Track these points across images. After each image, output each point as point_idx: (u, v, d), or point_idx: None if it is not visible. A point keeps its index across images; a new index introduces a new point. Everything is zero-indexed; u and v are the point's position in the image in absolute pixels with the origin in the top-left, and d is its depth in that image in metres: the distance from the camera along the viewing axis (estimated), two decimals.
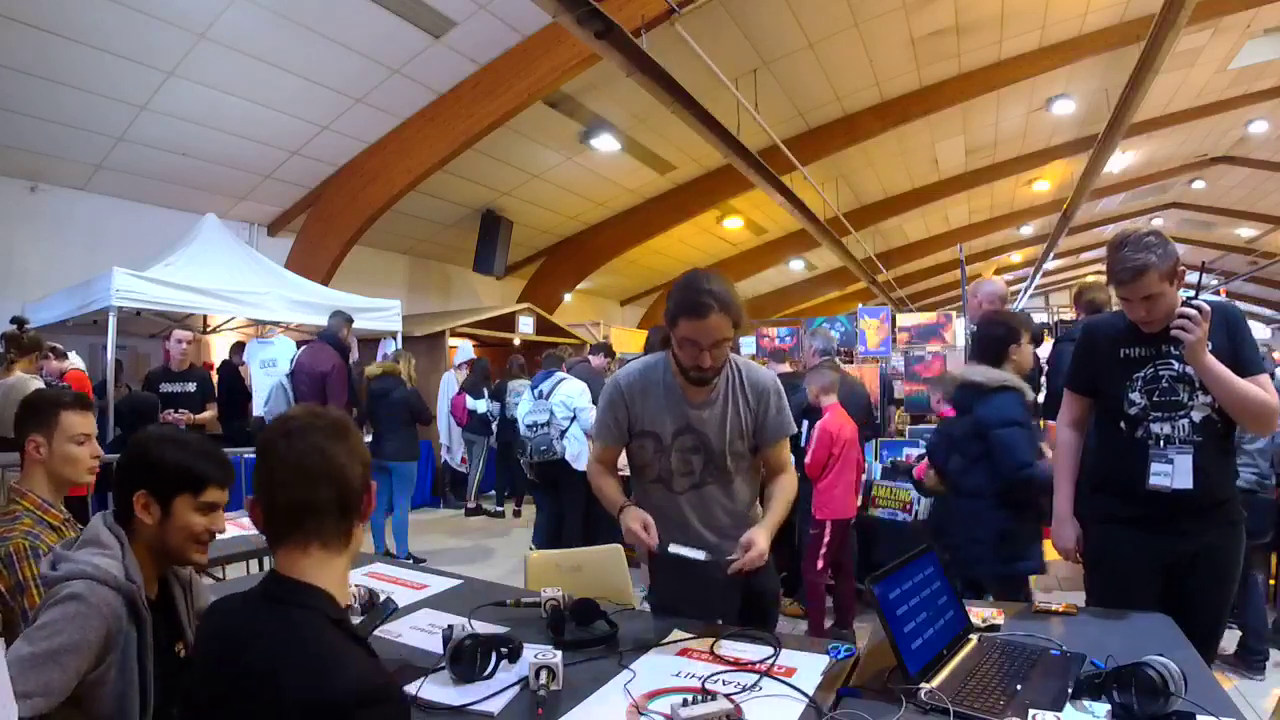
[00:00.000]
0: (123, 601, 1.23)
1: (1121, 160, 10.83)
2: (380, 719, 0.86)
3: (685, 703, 1.24)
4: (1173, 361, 1.82)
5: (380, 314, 6.62)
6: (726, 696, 1.28)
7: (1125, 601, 1.78)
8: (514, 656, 1.47)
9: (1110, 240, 1.86)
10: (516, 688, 1.39)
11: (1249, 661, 3.11)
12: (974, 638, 1.56)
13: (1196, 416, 1.81)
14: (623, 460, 2.02)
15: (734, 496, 1.90)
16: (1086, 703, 1.23)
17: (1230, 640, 3.11)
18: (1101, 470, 1.98)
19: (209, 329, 7.30)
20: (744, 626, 1.69)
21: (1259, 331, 16.27)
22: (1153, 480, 1.81)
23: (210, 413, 4.99)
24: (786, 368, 4.58)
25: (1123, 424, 1.89)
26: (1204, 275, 1.80)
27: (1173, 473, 1.79)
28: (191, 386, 4.81)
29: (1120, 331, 1.92)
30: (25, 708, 1.08)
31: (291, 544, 0.99)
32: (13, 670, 1.09)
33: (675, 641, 1.62)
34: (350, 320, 5.46)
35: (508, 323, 9.13)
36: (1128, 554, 1.87)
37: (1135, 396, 1.86)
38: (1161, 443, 1.82)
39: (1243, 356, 1.78)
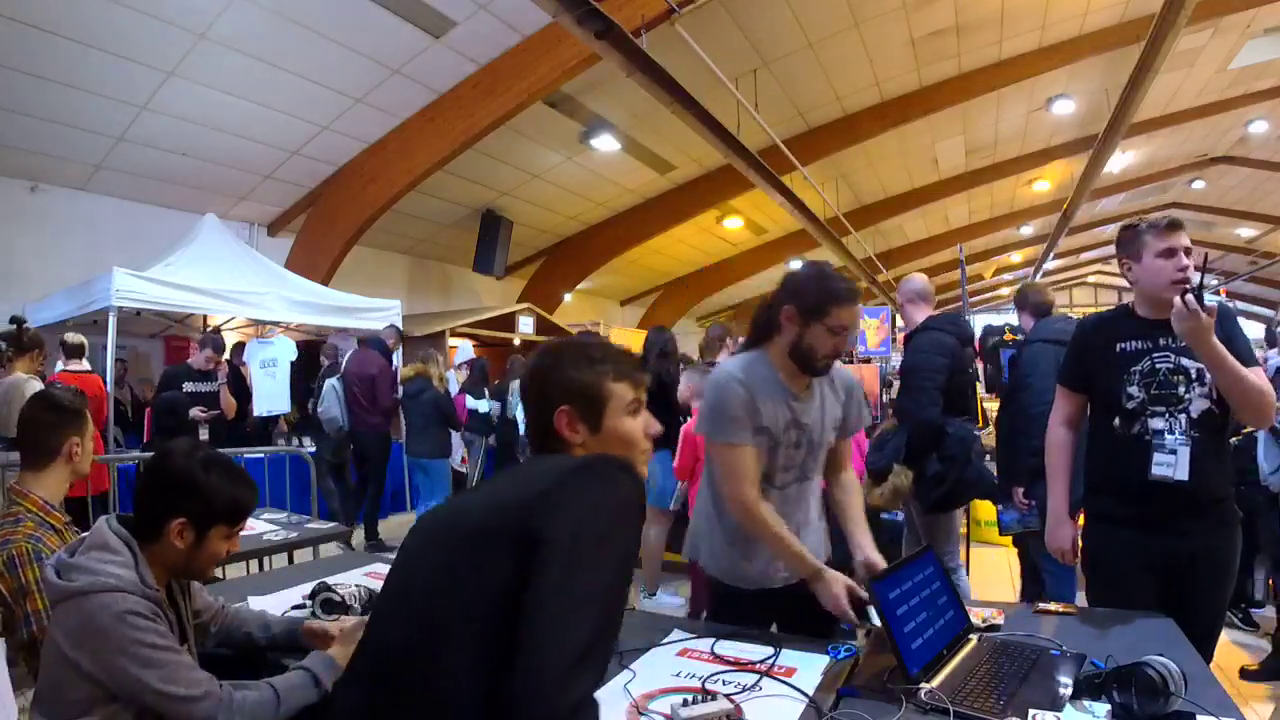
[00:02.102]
0: (147, 606, 1.26)
1: (1121, 160, 10.83)
2: (592, 477, 1.01)
3: (685, 703, 1.24)
4: (1169, 354, 1.82)
5: (380, 314, 6.62)
6: (726, 696, 1.29)
7: (1124, 601, 1.78)
8: None
9: (1124, 224, 1.92)
10: None
11: None
12: (974, 638, 1.56)
13: (1194, 410, 1.81)
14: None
15: (817, 489, 1.91)
16: (1086, 703, 1.23)
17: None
18: (1098, 468, 1.97)
19: (209, 329, 7.30)
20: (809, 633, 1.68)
21: (1251, 330, 16.26)
22: (1155, 470, 1.80)
23: (231, 402, 5.28)
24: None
25: (1118, 419, 1.88)
26: (1205, 275, 1.79)
27: (1175, 463, 1.78)
28: (214, 386, 5.12)
29: (1115, 326, 1.93)
30: (205, 709, 1.22)
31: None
32: (159, 688, 1.20)
33: (675, 641, 1.62)
34: (401, 334, 6.19)
35: (508, 323, 9.13)
36: (1126, 554, 1.86)
37: (1133, 390, 1.86)
38: (1161, 435, 1.82)
39: (1236, 350, 1.78)
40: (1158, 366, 1.84)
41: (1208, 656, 1.77)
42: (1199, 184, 13.24)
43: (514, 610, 0.88)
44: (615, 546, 0.96)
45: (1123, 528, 1.88)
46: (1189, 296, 1.66)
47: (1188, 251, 1.81)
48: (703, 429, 1.79)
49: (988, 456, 3.50)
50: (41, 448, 1.76)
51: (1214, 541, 1.83)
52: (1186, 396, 1.81)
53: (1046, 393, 3.11)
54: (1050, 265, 15.44)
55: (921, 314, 3.16)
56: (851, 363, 6.15)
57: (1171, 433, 1.81)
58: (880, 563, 1.71)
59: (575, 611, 0.89)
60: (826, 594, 1.63)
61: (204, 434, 4.95)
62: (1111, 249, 16.65)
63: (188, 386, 4.99)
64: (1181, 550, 1.82)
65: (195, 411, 4.90)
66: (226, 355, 6.77)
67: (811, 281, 1.73)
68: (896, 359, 6.34)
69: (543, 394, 1.17)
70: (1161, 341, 1.83)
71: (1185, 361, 1.80)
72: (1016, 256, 17.98)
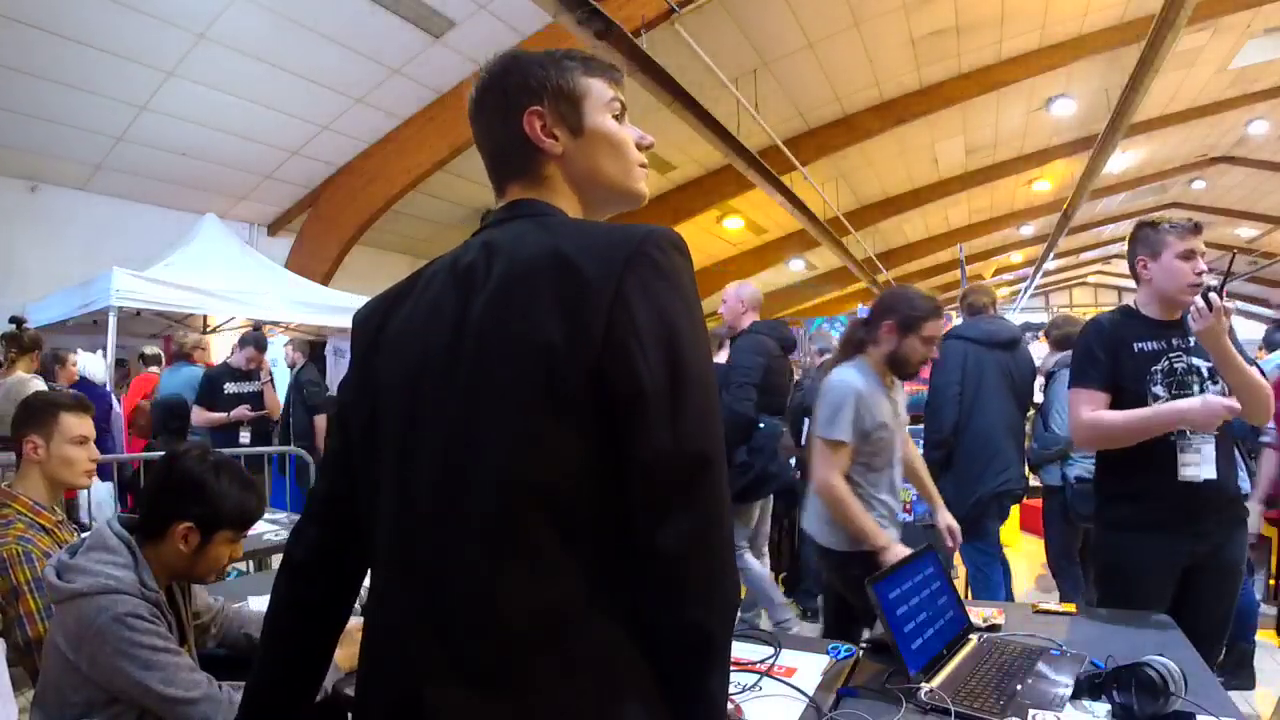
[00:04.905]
0: (147, 609, 1.26)
1: (1121, 160, 10.82)
2: (644, 273, 0.74)
3: None
4: (1181, 354, 1.85)
5: None
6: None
7: (1141, 607, 1.78)
8: None
9: (1142, 221, 1.96)
10: None
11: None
12: (974, 638, 1.56)
13: None
14: None
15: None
16: (1086, 703, 1.24)
17: None
18: (1120, 474, 1.95)
19: (209, 329, 7.30)
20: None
21: (1252, 330, 16.28)
22: (1183, 472, 1.81)
23: (276, 402, 5.20)
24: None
25: None
26: (1228, 277, 1.81)
27: (1200, 463, 1.80)
28: (257, 386, 5.03)
29: (1130, 327, 1.94)
30: (204, 711, 1.22)
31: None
32: (159, 690, 1.20)
33: None
34: None
35: None
36: (1148, 560, 1.85)
37: (1159, 390, 1.86)
38: (1187, 433, 1.83)
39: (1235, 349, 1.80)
40: (1175, 366, 1.86)
41: (1214, 656, 1.76)
42: (1199, 184, 13.24)
43: (600, 477, 0.71)
44: (704, 341, 0.76)
45: (1145, 533, 1.86)
46: (1213, 295, 1.69)
47: (1202, 255, 1.84)
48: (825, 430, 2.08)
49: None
50: (11, 447, 1.78)
51: (1226, 539, 1.85)
52: (1202, 394, 1.82)
53: (948, 387, 3.30)
54: (1050, 265, 15.43)
55: (749, 320, 3.47)
56: None
57: (1196, 432, 1.82)
58: (954, 524, 2.29)
59: (707, 472, 0.70)
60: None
61: (245, 436, 4.85)
62: (1112, 249, 16.50)
63: (229, 388, 4.89)
64: (1200, 550, 1.83)
65: (239, 411, 4.82)
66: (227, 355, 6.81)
67: (906, 299, 2.14)
68: None
69: (502, 103, 0.91)
70: (1174, 342, 1.86)
71: (1197, 361, 1.83)
72: (1017, 256, 17.97)
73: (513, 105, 0.90)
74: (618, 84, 0.95)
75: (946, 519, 2.30)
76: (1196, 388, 1.83)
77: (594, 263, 0.73)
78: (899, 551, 1.98)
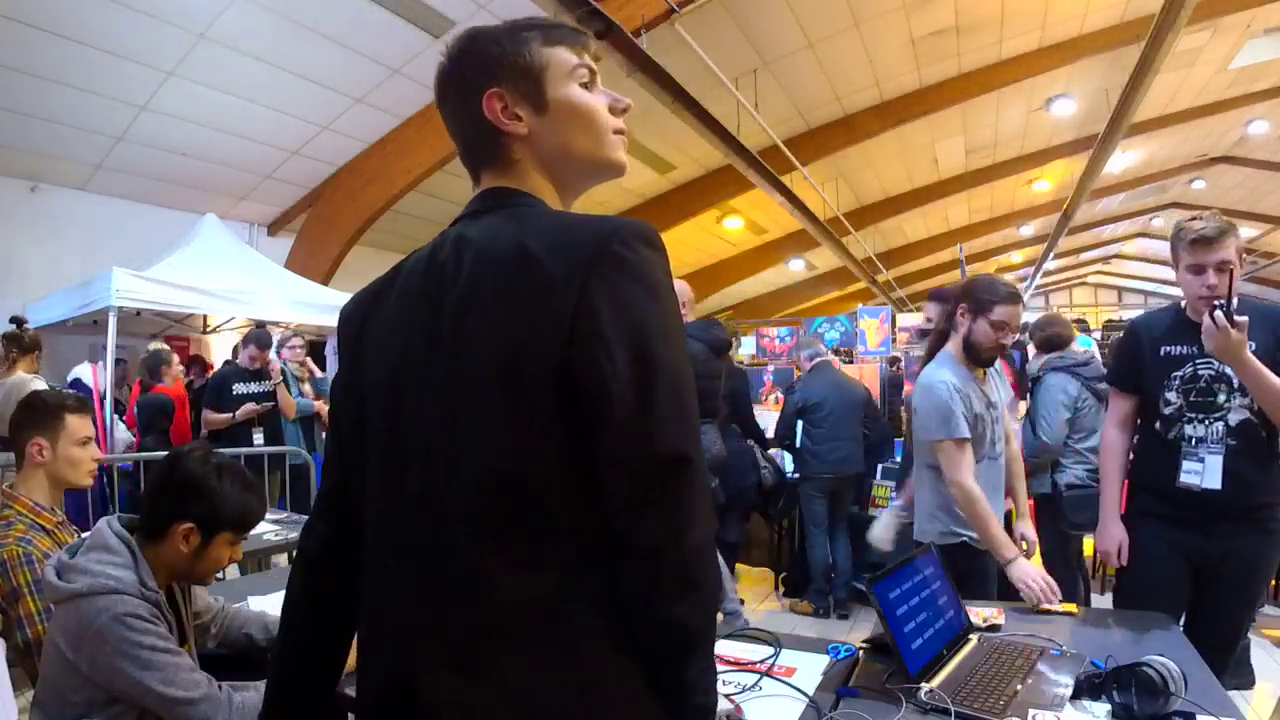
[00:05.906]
0: (147, 609, 1.26)
1: (1121, 160, 10.82)
2: (611, 274, 0.72)
3: None
4: (1213, 360, 1.80)
5: None
6: (727, 697, 1.29)
7: (1152, 599, 1.78)
8: None
9: (1176, 224, 1.90)
10: None
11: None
12: (974, 638, 1.56)
13: (1233, 419, 1.79)
14: None
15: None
16: (1086, 703, 1.23)
17: None
18: (1139, 469, 1.99)
19: (209, 329, 7.30)
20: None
21: None
22: (1183, 478, 1.81)
23: (290, 401, 5.12)
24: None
25: (1159, 423, 1.88)
26: (1232, 293, 1.78)
27: (1203, 471, 1.78)
28: (267, 386, 4.96)
29: (1163, 329, 1.92)
30: (204, 711, 1.22)
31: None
32: (159, 690, 1.20)
33: None
34: None
35: None
36: (1156, 550, 1.86)
37: (1171, 396, 1.86)
38: (1194, 442, 1.82)
39: None
40: (1200, 373, 1.83)
41: (1223, 664, 1.73)
42: (1199, 184, 13.24)
43: (572, 475, 0.72)
44: (677, 337, 0.75)
45: (1155, 523, 1.88)
46: (1218, 314, 1.64)
47: (1221, 267, 1.75)
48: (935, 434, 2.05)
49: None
50: (13, 448, 1.77)
51: (1244, 547, 1.81)
52: (1226, 405, 1.79)
53: None
54: (1050, 265, 15.44)
55: (686, 319, 3.37)
56: (851, 363, 6.14)
57: (1205, 440, 1.80)
58: (1030, 534, 2.22)
59: (680, 475, 0.70)
60: (1025, 578, 1.89)
61: (259, 437, 4.80)
62: (1111, 249, 16.46)
63: (238, 388, 4.83)
64: (1210, 551, 1.81)
65: (245, 409, 4.78)
66: (228, 355, 6.81)
67: (981, 285, 2.14)
68: (903, 359, 6.33)
69: (462, 87, 0.85)
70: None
71: (1228, 370, 1.78)
72: (1017, 256, 17.98)
73: (472, 89, 0.84)
74: (584, 48, 0.88)
75: (1023, 528, 2.22)
76: (1222, 396, 1.80)
77: (559, 261, 0.72)
78: (1023, 565, 1.91)
